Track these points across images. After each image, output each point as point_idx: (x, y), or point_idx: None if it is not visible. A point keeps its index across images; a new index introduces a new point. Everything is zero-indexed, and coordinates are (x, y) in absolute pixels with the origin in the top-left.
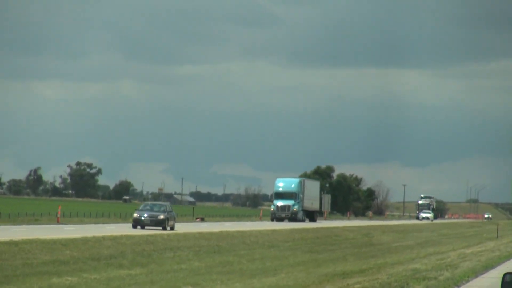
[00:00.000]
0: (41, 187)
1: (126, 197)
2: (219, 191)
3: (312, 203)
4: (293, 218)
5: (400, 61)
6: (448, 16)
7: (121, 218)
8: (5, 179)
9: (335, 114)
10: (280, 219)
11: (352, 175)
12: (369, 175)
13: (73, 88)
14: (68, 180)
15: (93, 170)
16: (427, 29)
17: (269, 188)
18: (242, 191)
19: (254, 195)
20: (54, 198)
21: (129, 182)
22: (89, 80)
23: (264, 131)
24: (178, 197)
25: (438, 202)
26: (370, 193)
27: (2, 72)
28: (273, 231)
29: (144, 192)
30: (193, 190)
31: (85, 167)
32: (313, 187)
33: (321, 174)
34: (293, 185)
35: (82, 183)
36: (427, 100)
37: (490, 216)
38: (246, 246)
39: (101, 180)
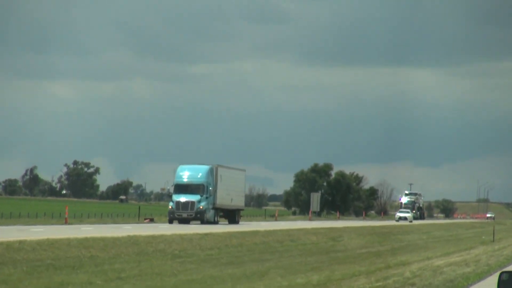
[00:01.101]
0: (39, 187)
1: (122, 197)
2: None
3: (232, 199)
4: (199, 218)
5: (411, 60)
6: (459, 15)
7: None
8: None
9: (347, 113)
10: (183, 220)
11: (353, 173)
12: (381, 175)
13: (84, 87)
14: (66, 180)
15: (91, 170)
16: (439, 28)
17: (278, 188)
18: (246, 191)
19: (259, 195)
20: (49, 198)
21: (131, 182)
22: (101, 78)
23: (276, 130)
24: None
25: (446, 201)
26: (372, 192)
27: (13, 71)
28: (206, 235)
29: (154, 192)
30: None
31: (83, 166)
32: (234, 178)
33: (319, 172)
34: (200, 175)
35: (80, 183)
36: (438, 99)
37: (493, 215)
38: (138, 257)
39: (110, 180)
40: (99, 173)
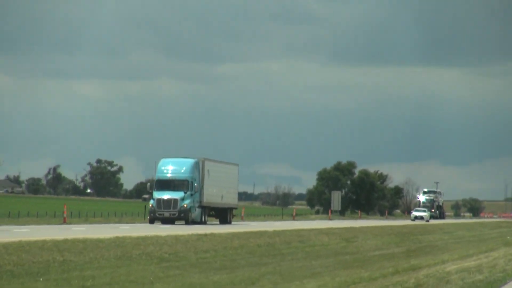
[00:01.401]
0: (62, 186)
1: (145, 196)
2: (256, 190)
3: (222, 196)
4: (183, 217)
5: (440, 59)
6: (489, 14)
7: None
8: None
9: (375, 112)
10: (167, 220)
11: (377, 171)
12: (407, 174)
13: (112, 86)
14: (89, 179)
15: (114, 168)
16: (468, 28)
17: (306, 187)
18: (272, 190)
19: (284, 194)
20: (72, 197)
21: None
22: (128, 78)
23: (303, 129)
24: None
25: (473, 200)
26: (398, 191)
27: (42, 71)
28: (205, 235)
29: None
30: None
31: (106, 165)
32: (224, 173)
33: (342, 170)
34: (184, 169)
35: (103, 182)
36: (466, 98)
37: None
38: (118, 262)
39: (137, 179)
40: (122, 172)
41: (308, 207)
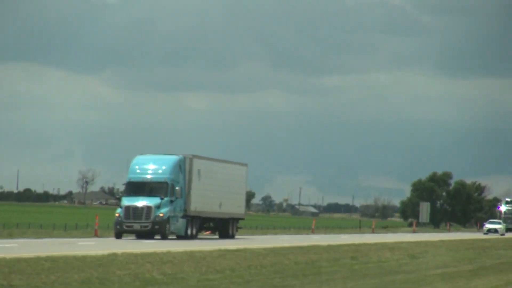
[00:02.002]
0: None
1: None
2: (358, 203)
3: (220, 203)
4: (158, 230)
5: None
6: None
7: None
8: None
9: (483, 124)
10: (140, 234)
11: (475, 182)
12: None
13: (221, 99)
14: None
15: None
16: None
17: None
18: (371, 202)
19: (384, 206)
20: None
21: (253, 193)
22: (237, 91)
23: (412, 141)
24: (302, 208)
25: None
26: (496, 203)
27: (149, 84)
28: (231, 252)
29: (284, 204)
30: (320, 201)
31: None
32: (224, 174)
33: (437, 181)
34: (163, 168)
35: None
36: None
37: None
38: (81, 286)
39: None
40: None
41: (400, 219)
